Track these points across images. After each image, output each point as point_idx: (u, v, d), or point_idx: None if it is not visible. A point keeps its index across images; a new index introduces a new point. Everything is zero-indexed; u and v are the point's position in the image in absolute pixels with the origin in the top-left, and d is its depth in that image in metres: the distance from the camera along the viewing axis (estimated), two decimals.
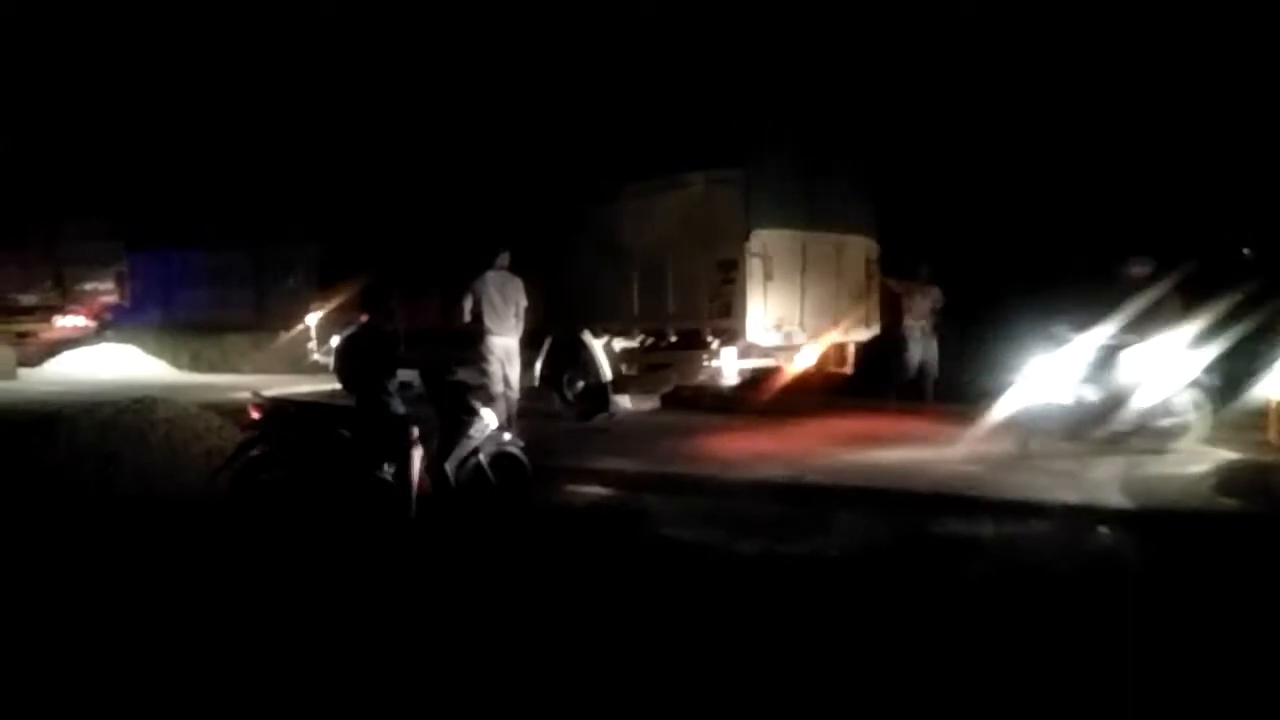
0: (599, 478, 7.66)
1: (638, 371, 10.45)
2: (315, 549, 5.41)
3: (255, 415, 6.14)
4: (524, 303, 9.17)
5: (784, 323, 9.71)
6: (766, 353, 9.90)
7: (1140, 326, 8.05)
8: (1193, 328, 7.94)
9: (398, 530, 5.76)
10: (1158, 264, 8.34)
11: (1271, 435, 7.70)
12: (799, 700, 3.51)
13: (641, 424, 10.00)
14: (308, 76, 18.62)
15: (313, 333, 13.33)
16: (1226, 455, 7.72)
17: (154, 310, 20.02)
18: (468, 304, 8.98)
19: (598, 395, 10.32)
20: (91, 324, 19.21)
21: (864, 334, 10.65)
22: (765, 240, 9.47)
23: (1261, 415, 7.93)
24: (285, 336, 15.71)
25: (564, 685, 3.63)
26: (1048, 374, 8.11)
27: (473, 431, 6.16)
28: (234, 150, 19.81)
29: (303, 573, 5.04)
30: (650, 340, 10.44)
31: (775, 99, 10.15)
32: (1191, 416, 7.92)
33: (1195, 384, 7.90)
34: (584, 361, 10.47)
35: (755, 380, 10.31)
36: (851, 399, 10.87)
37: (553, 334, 10.61)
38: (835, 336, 10.37)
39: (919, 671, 3.75)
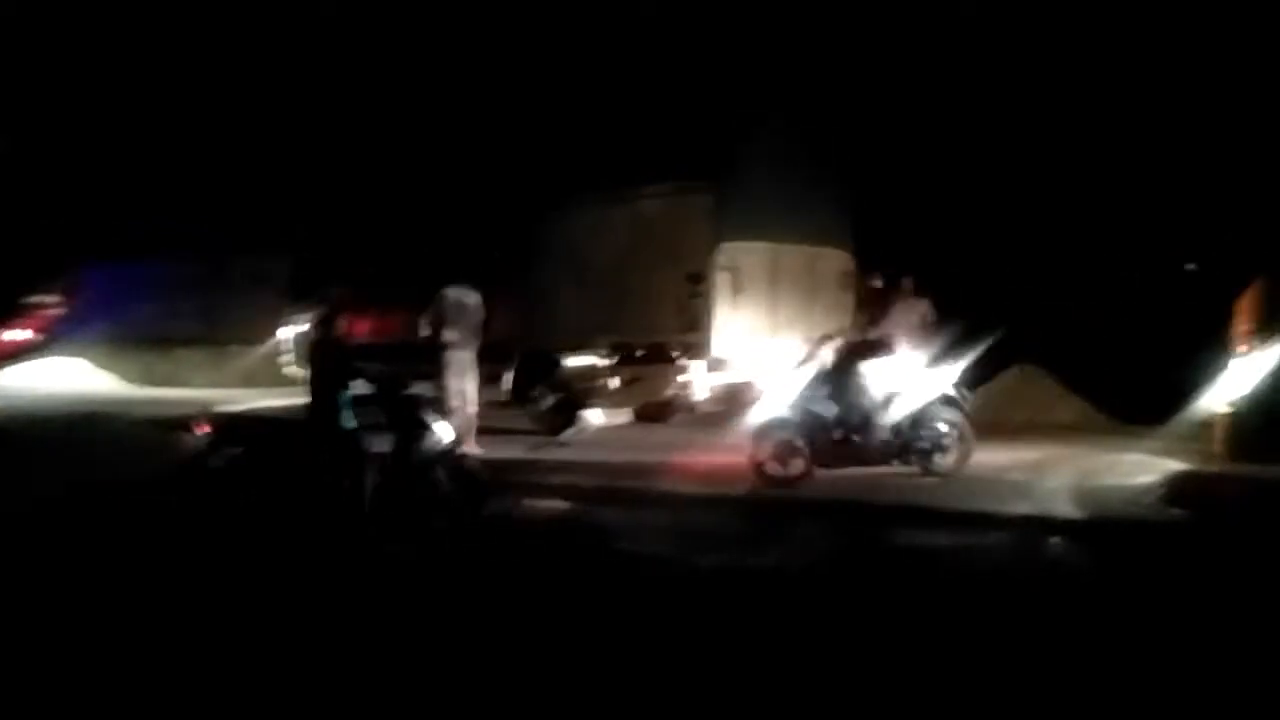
0: (557, 492, 7.61)
1: (606, 386, 10.30)
2: (264, 563, 5.30)
3: (205, 430, 6.04)
4: (482, 317, 9.08)
5: (754, 336, 9.59)
6: (737, 367, 9.80)
7: (879, 339, 7.77)
8: (941, 341, 7.68)
9: (349, 543, 5.67)
10: (894, 276, 8.01)
11: (1217, 446, 7.84)
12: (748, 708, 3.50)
13: (608, 439, 9.89)
14: (269, 90, 18.38)
15: (287, 346, 13.10)
16: (1174, 466, 7.86)
17: (103, 323, 19.57)
18: (427, 317, 8.89)
19: (567, 410, 10.18)
20: (38, 337, 18.78)
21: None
22: (734, 253, 9.37)
23: (1207, 427, 8.07)
24: (258, 350, 15.28)
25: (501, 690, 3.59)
26: (786, 388, 7.62)
27: (426, 445, 6.10)
28: (192, 161, 19.45)
29: (250, 587, 4.92)
30: (619, 355, 10.30)
31: (748, 109, 10.07)
32: (949, 434, 7.53)
33: (949, 400, 7.57)
34: (552, 376, 10.34)
35: (729, 395, 10.21)
36: None
37: (522, 348, 10.47)
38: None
39: (880, 676, 3.75)
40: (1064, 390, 12.01)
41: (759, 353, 9.75)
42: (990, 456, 8.72)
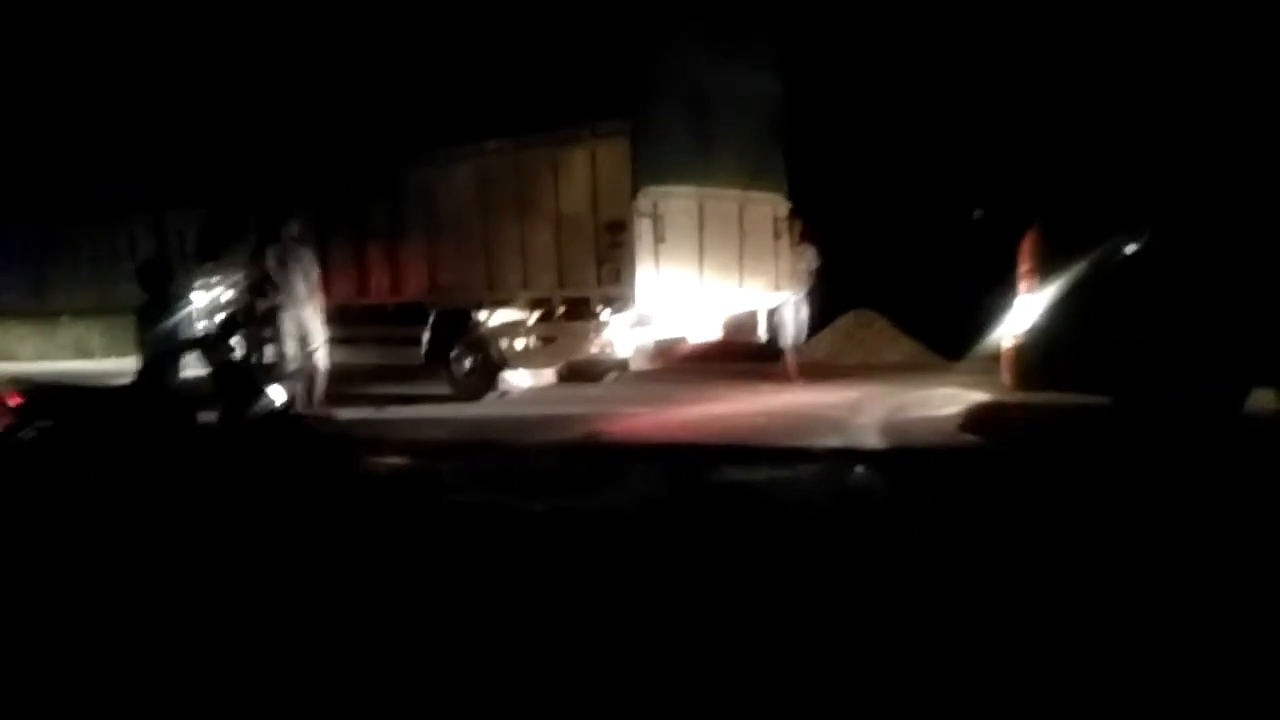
0: (402, 448, 7.72)
1: (527, 346, 9.77)
2: (83, 534, 5.26)
3: (16, 402, 5.88)
4: (315, 273, 8.93)
5: (681, 289, 9.06)
6: (664, 322, 9.28)
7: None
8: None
9: (174, 508, 5.66)
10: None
11: (1004, 378, 8.57)
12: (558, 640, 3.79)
13: (508, 400, 9.87)
14: (104, 29, 16.93)
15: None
16: (977, 397, 8.61)
17: None
18: (251, 280, 8.74)
19: (487, 373, 9.77)
20: None
21: (774, 299, 10.17)
22: (656, 199, 8.73)
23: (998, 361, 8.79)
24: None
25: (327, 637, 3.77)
26: None
27: (255, 409, 6.13)
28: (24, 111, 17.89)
29: (67, 560, 4.90)
30: (540, 312, 9.68)
31: (666, 39, 9.14)
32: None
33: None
34: (470, 336, 9.83)
35: (661, 352, 9.83)
36: (753, 365, 10.87)
37: (437, 307, 9.95)
38: (741, 302, 9.87)
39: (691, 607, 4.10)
40: (896, 332, 12.88)
41: (686, 306, 9.33)
42: (816, 396, 9.35)
